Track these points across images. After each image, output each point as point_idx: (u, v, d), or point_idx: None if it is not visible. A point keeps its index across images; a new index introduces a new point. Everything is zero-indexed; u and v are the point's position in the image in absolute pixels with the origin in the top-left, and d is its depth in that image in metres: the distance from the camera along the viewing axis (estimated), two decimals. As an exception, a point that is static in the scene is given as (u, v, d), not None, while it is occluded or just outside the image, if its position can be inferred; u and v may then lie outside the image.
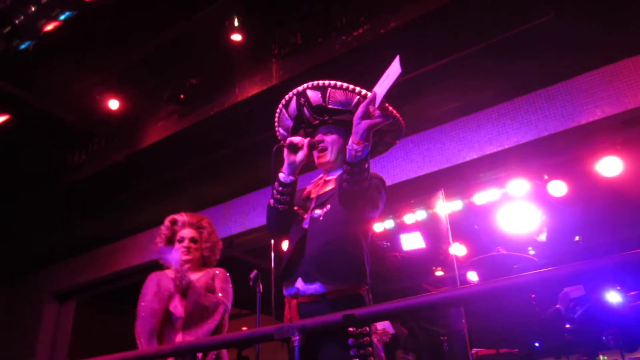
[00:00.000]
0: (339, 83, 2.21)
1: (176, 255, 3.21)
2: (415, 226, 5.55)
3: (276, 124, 2.47)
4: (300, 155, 2.22)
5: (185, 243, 3.23)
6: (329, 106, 2.25)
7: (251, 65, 4.48)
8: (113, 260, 6.67)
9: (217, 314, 3.00)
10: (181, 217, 3.34)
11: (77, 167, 5.38)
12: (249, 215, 5.55)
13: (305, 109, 2.31)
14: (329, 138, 2.30)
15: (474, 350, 3.30)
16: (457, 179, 4.62)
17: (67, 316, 7.25)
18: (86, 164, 5.40)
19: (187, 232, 3.28)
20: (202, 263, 3.30)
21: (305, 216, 2.25)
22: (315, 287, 2.08)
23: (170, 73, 4.79)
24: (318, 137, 2.31)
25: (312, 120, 2.33)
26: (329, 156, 2.29)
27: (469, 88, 4.23)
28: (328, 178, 2.32)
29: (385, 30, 3.81)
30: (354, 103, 2.19)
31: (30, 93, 4.65)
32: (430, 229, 5.48)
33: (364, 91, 2.17)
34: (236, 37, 4.37)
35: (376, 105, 1.93)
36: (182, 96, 4.70)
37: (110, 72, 4.81)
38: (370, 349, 2.00)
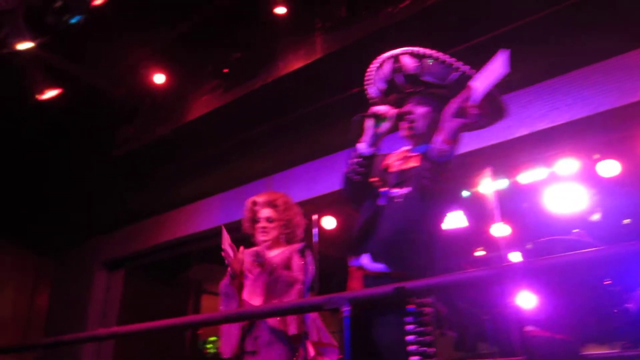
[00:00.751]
0: (440, 55, 2.08)
1: (258, 235, 3.23)
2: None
3: (366, 83, 2.34)
4: (384, 127, 2.11)
5: (262, 223, 3.27)
6: (423, 78, 2.11)
7: (295, 39, 4.45)
8: (159, 231, 6.85)
9: (293, 291, 3.01)
10: (259, 198, 3.37)
11: (125, 141, 5.52)
12: (290, 190, 5.57)
13: (398, 75, 2.17)
14: (420, 110, 2.16)
15: (528, 327, 3.24)
16: (505, 156, 4.50)
17: (116, 284, 7.51)
18: (133, 137, 5.53)
19: (264, 212, 3.30)
20: (285, 240, 3.32)
21: (382, 191, 2.14)
22: (381, 267, 2.02)
23: (214, 47, 4.81)
24: (408, 107, 2.17)
25: (405, 88, 2.19)
26: (417, 130, 2.15)
27: (520, 62, 4.09)
28: (412, 154, 2.19)
29: (432, 1, 3.71)
30: (450, 79, 2.06)
31: (80, 67, 4.76)
32: (473, 207, 5.39)
33: (466, 69, 2.06)
34: (280, 10, 4.34)
35: (473, 103, 1.80)
36: (225, 70, 4.72)
37: (156, 46, 4.87)
38: (429, 328, 1.92)
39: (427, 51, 2.10)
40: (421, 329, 1.91)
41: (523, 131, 4.17)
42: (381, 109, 2.12)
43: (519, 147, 4.36)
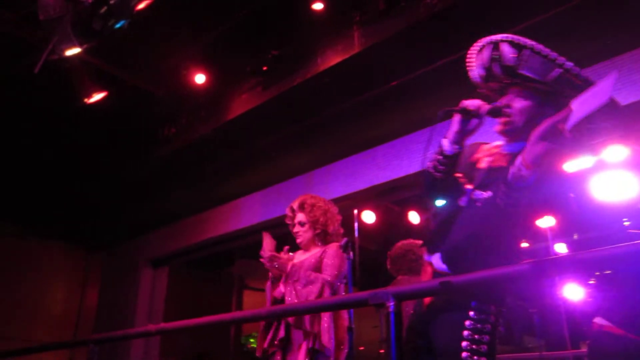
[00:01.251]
0: (542, 48, 1.86)
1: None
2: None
3: (468, 67, 2.11)
4: (472, 124, 1.92)
5: (294, 228, 3.35)
6: (520, 71, 1.91)
7: (333, 34, 4.45)
8: (201, 229, 6.98)
9: (314, 289, 3.03)
10: (294, 203, 3.42)
11: (168, 141, 5.64)
12: (330, 185, 5.60)
13: (495, 64, 1.98)
14: (519, 105, 1.96)
15: (597, 319, 3.15)
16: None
17: (161, 281, 7.70)
18: (175, 137, 5.64)
19: (298, 217, 3.37)
20: (321, 240, 3.34)
21: (466, 188, 2.00)
22: (447, 270, 1.93)
23: (253, 46, 4.86)
24: (505, 100, 1.99)
25: (502, 78, 2.01)
26: (513, 125, 1.96)
27: (561, 49, 3.99)
28: (504, 151, 2.03)
29: (471, -9, 3.65)
30: (551, 75, 1.87)
31: (124, 70, 4.89)
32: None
33: (569, 65, 1.84)
34: (317, 5, 4.35)
35: (568, 126, 1.59)
36: (264, 68, 4.77)
37: (196, 48, 4.95)
38: (486, 337, 1.81)
39: (529, 42, 1.89)
40: (477, 336, 1.82)
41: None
42: (473, 103, 1.92)
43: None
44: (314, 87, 4.59)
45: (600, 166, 4.78)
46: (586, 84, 1.78)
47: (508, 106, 1.95)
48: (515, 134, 1.97)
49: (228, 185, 6.35)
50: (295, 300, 2.98)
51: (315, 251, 3.28)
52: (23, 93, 4.90)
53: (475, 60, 2.07)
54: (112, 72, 4.86)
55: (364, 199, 5.46)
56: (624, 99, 3.88)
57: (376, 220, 6.10)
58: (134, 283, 7.53)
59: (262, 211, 6.19)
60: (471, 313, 1.83)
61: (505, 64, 1.93)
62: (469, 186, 1.99)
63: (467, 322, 1.83)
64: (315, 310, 2.74)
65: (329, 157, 5.59)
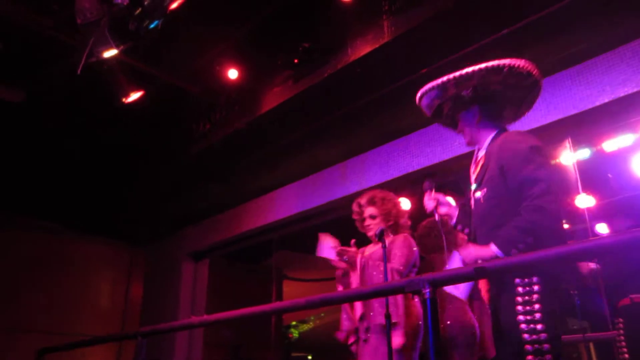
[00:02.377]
0: (440, 80, 2.49)
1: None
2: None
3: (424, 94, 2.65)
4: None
5: (366, 222, 3.49)
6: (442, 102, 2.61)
7: (362, 24, 4.45)
8: (238, 222, 7.09)
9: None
10: (362, 199, 3.64)
11: (203, 136, 5.75)
12: (365, 174, 5.62)
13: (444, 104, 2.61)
14: (462, 124, 2.62)
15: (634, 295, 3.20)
16: (585, 125, 4.33)
17: (202, 274, 7.86)
18: (211, 132, 5.75)
19: (367, 211, 3.54)
20: (392, 232, 3.53)
21: (470, 196, 2.52)
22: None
23: (283, 39, 4.90)
24: (459, 128, 2.65)
25: (447, 113, 2.65)
26: (470, 139, 2.62)
27: (596, 27, 3.90)
28: (479, 155, 2.58)
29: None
30: (466, 89, 2.52)
31: (160, 69, 5.01)
32: (555, 179, 5.20)
33: (480, 66, 2.40)
34: (345, -4, 4.36)
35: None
36: (296, 61, 4.81)
37: (228, 43, 5.03)
38: (536, 306, 2.09)
39: (433, 83, 2.51)
40: (529, 307, 2.09)
41: (604, 98, 3.98)
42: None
43: (600, 115, 4.18)
44: (345, 77, 4.61)
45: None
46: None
47: (462, 130, 2.62)
48: (472, 143, 2.63)
49: (263, 178, 6.43)
50: None
51: (385, 242, 3.39)
52: (65, 95, 5.08)
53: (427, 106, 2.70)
54: (148, 71, 4.99)
55: (399, 186, 5.46)
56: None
57: (412, 208, 6.08)
58: (176, 277, 7.71)
59: (297, 202, 6.25)
60: (519, 288, 2.14)
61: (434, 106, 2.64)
62: (471, 194, 2.52)
63: (517, 298, 2.12)
64: (354, 299, 2.80)
65: (362, 146, 5.60)
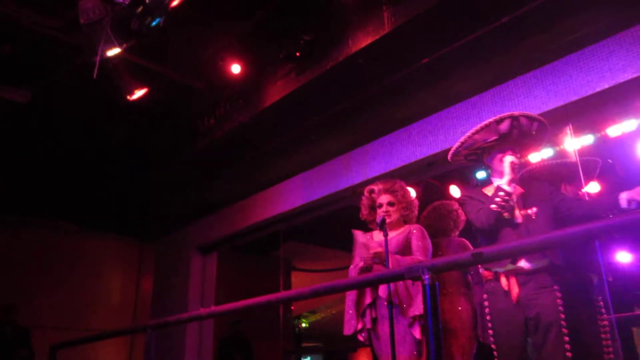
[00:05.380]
0: (542, 119, 3.07)
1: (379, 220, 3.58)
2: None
3: (474, 132, 3.07)
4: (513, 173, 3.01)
5: (384, 208, 3.60)
6: (532, 132, 3.06)
7: (362, 16, 4.47)
8: (245, 214, 7.14)
9: None
10: (377, 186, 3.77)
11: (208, 131, 5.81)
12: (369, 164, 5.66)
13: (515, 130, 3.02)
14: (518, 155, 3.09)
15: None
16: (587, 112, 4.34)
17: (211, 267, 7.93)
18: (215, 127, 5.81)
19: (383, 198, 3.66)
20: (403, 221, 3.66)
21: (511, 214, 2.96)
22: (536, 264, 2.85)
23: (285, 33, 4.94)
24: (515, 153, 3.06)
25: (519, 141, 3.09)
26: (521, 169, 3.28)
27: (597, 13, 3.91)
28: (517, 186, 3.07)
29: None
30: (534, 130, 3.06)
31: (163, 66, 5.06)
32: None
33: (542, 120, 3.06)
34: (345, -12, 4.39)
35: None
36: (297, 54, 4.85)
37: (230, 38, 5.08)
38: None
39: (538, 116, 3.07)
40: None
41: (604, 85, 3.99)
42: (514, 159, 3.01)
43: (602, 101, 4.19)
44: (346, 69, 4.64)
45: (645, 128, 4.67)
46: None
47: (521, 156, 3.15)
48: (517, 173, 3.11)
49: (269, 171, 6.48)
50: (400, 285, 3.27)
51: (401, 230, 3.57)
52: (71, 94, 5.15)
53: (489, 130, 3.05)
54: (151, 68, 5.04)
55: (402, 176, 5.50)
56: None
57: (417, 196, 6.12)
58: (185, 270, 7.79)
59: (303, 193, 6.30)
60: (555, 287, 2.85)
61: (523, 130, 3.04)
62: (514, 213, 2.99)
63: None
64: (359, 286, 2.86)
65: (366, 137, 5.63)
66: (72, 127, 5.70)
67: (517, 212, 2.97)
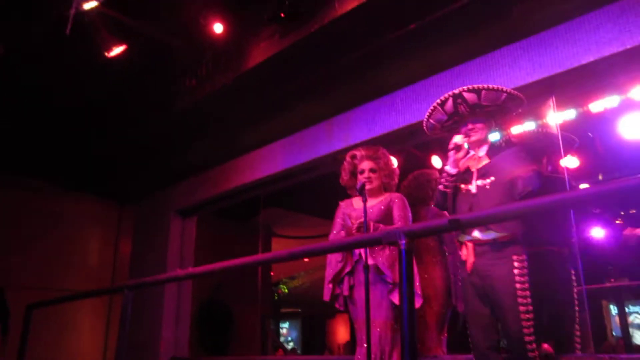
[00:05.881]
0: (491, 86, 3.02)
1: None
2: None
3: (427, 116, 3.24)
4: (462, 154, 3.12)
5: (366, 174, 3.61)
6: (482, 103, 3.06)
7: (349, -23, 4.38)
8: (225, 178, 7.10)
9: None
10: (359, 152, 3.73)
11: (190, 91, 5.69)
12: (351, 131, 5.62)
13: (461, 107, 3.09)
14: (480, 125, 3.15)
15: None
16: (571, 85, 4.33)
17: (190, 231, 7.90)
18: (196, 88, 5.69)
19: (366, 164, 3.63)
20: (383, 188, 3.65)
21: (469, 186, 3.06)
22: (490, 234, 2.88)
23: (270, -8, 4.81)
24: (469, 126, 3.15)
25: (467, 114, 3.13)
26: (480, 138, 3.16)
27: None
28: (480, 154, 3.15)
29: None
30: (501, 99, 3.07)
31: (143, 22, 4.90)
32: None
33: (509, 90, 3.06)
34: (332, -51, 4.26)
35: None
36: (282, 15, 4.72)
37: (213, -4, 4.93)
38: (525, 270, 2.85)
39: (481, 85, 3.04)
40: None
41: (589, 57, 3.97)
42: (457, 139, 3.09)
43: (586, 75, 4.17)
44: (331, 32, 4.55)
45: (627, 106, 4.68)
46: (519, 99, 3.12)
47: (473, 128, 3.15)
48: (483, 144, 3.19)
49: (250, 135, 6.41)
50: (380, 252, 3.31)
51: (381, 198, 3.56)
52: (45, 49, 4.97)
53: (437, 112, 3.19)
54: (131, 24, 4.88)
55: (385, 144, 5.47)
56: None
57: (398, 165, 6.11)
58: (165, 233, 7.75)
59: (284, 159, 6.26)
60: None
61: (472, 103, 3.08)
62: (469, 185, 3.07)
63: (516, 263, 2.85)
64: (334, 250, 2.86)
65: (349, 103, 5.58)
66: (47, 82, 5.53)
67: (473, 183, 3.03)
